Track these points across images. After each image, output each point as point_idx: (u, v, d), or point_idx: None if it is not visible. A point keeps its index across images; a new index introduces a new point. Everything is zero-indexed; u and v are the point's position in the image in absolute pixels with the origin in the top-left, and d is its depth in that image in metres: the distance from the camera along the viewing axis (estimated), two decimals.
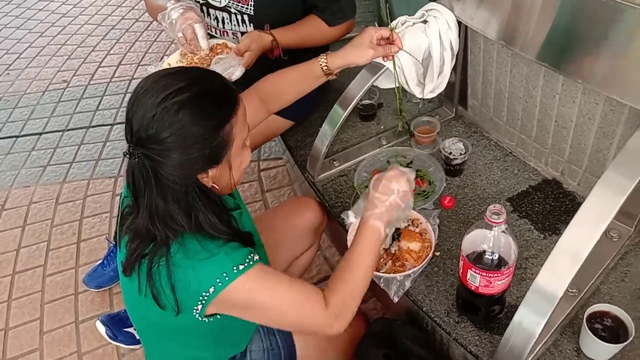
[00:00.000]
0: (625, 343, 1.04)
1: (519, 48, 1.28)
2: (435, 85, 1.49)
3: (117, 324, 1.71)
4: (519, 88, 1.47)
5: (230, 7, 1.61)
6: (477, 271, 1.07)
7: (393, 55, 1.36)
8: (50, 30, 3.77)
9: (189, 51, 1.56)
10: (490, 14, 1.32)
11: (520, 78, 1.45)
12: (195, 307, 0.96)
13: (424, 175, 1.54)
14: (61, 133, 2.77)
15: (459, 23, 1.45)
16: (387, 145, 1.70)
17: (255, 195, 2.26)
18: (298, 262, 1.55)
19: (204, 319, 0.99)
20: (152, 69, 1.40)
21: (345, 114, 1.48)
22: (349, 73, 1.41)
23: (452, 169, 1.55)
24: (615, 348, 1.06)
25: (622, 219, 1.31)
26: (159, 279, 0.93)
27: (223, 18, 1.65)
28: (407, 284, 1.27)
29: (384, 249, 1.31)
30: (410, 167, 1.54)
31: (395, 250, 1.31)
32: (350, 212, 1.35)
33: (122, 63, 3.30)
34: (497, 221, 1.01)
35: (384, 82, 1.48)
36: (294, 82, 1.33)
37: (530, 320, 1.02)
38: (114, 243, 1.92)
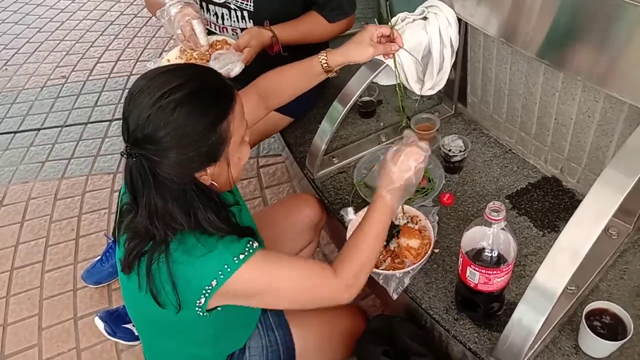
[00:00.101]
0: (624, 340, 1.04)
1: (519, 45, 1.28)
2: (434, 82, 1.49)
3: (115, 320, 1.71)
4: (519, 85, 1.47)
5: (229, 3, 1.61)
6: (476, 268, 1.07)
7: (393, 53, 1.35)
8: (48, 25, 3.75)
9: (188, 47, 1.56)
10: (490, 10, 1.32)
11: (520, 75, 1.45)
12: (198, 301, 0.95)
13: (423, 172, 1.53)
14: (60, 129, 2.76)
15: (459, 20, 1.44)
16: (386, 142, 1.70)
17: (254, 191, 2.26)
18: None
19: (205, 314, 0.99)
20: (151, 65, 1.39)
21: (344, 110, 1.47)
22: (349, 70, 1.40)
23: (451, 166, 1.55)
24: (613, 345, 1.06)
25: (621, 217, 1.31)
26: (158, 276, 0.93)
27: (223, 14, 1.65)
28: (406, 281, 1.27)
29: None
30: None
31: (394, 247, 1.31)
32: (349, 209, 1.36)
33: (121, 59, 3.28)
34: (497, 218, 1.01)
35: (384, 79, 1.48)
36: (293, 79, 1.32)
37: (529, 318, 1.02)
38: (112, 239, 1.92)
